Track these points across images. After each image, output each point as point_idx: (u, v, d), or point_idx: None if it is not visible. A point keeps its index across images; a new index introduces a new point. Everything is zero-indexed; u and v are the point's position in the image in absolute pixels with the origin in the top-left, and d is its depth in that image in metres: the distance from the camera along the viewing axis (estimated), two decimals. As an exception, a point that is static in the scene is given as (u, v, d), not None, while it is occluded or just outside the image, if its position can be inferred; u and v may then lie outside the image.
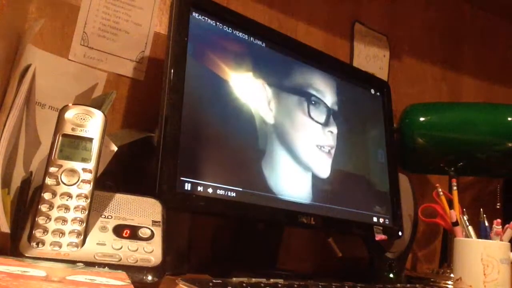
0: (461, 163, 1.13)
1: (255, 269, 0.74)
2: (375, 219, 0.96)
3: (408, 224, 1.02)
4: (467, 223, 0.88)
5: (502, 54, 1.60)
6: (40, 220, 0.53)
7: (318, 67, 0.96)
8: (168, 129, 0.70)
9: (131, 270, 0.53)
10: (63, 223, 0.54)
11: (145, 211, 0.61)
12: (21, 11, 0.80)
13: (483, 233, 0.85)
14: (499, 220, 0.83)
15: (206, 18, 0.80)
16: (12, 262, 0.45)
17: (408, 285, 0.94)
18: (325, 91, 0.95)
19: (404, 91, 1.33)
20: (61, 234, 0.53)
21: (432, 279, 1.07)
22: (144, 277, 0.54)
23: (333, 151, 0.92)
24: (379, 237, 0.93)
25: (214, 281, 0.62)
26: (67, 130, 0.56)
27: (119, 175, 0.75)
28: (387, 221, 0.98)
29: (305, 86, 0.92)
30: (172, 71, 0.73)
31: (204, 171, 0.73)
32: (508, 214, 1.10)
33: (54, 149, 0.55)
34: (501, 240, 0.81)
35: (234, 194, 0.76)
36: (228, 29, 0.83)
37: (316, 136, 0.90)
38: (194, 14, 0.78)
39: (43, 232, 0.53)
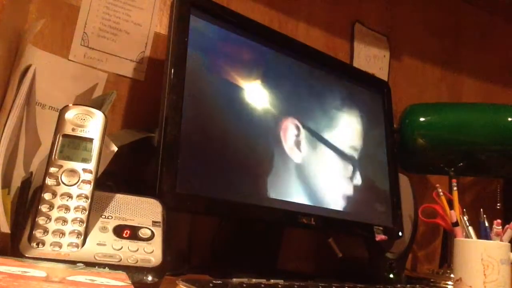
0: (461, 163, 1.13)
1: (255, 269, 0.74)
2: (375, 219, 0.96)
3: (408, 224, 1.02)
4: (467, 224, 0.88)
5: (502, 54, 1.60)
6: (40, 220, 0.53)
7: (318, 67, 0.96)
8: (168, 129, 0.70)
9: (131, 270, 0.53)
10: (63, 224, 0.54)
11: (145, 211, 0.61)
12: (21, 11, 0.80)
13: (483, 234, 0.85)
14: (499, 221, 0.83)
15: (206, 19, 0.80)
16: (13, 263, 0.45)
17: (408, 285, 0.94)
18: (325, 91, 0.95)
19: (404, 91, 1.33)
20: (61, 235, 0.53)
21: (432, 280, 1.07)
22: (144, 278, 0.54)
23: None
24: (379, 237, 0.93)
25: (214, 281, 0.62)
26: (68, 130, 0.56)
27: (119, 176, 0.75)
28: (387, 222, 0.98)
29: (301, 90, 0.92)
30: (172, 71, 0.73)
31: (204, 171, 0.73)
32: (508, 215, 1.10)
33: (54, 150, 0.55)
34: (501, 240, 0.81)
35: (234, 195, 0.76)
36: (228, 30, 0.83)
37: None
38: (194, 14, 0.78)
39: (43, 233, 0.53)
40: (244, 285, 0.64)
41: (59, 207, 0.54)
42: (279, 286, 0.68)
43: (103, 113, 0.58)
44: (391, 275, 0.98)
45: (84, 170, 0.56)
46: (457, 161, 1.13)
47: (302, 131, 0.89)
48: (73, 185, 0.55)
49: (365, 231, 0.94)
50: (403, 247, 1.00)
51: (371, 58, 1.29)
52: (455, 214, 0.88)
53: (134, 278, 0.52)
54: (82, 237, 0.54)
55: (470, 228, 0.88)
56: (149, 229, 0.59)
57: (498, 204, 1.31)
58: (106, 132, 0.59)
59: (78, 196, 0.55)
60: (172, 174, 0.69)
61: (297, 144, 0.87)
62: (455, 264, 0.81)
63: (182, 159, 0.70)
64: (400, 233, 0.98)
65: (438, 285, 1.04)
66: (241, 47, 0.85)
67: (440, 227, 1.11)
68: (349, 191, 0.94)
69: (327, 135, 0.93)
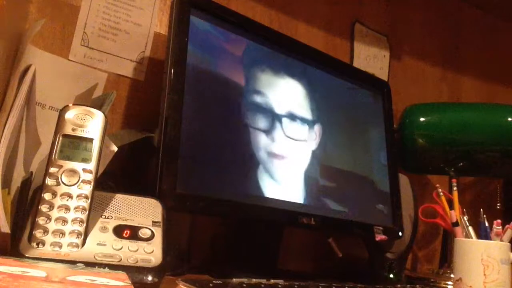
0: (461, 163, 1.13)
1: (255, 269, 0.74)
2: (375, 219, 0.96)
3: (408, 224, 1.02)
4: (467, 224, 0.88)
5: (502, 54, 1.60)
6: (41, 220, 0.53)
7: (318, 67, 0.96)
8: (168, 129, 0.70)
9: (131, 270, 0.53)
10: (63, 224, 0.54)
11: (145, 211, 0.61)
12: (21, 11, 0.80)
13: (483, 234, 0.85)
14: (499, 221, 0.83)
15: (206, 19, 0.80)
16: (13, 263, 0.45)
17: (408, 285, 0.94)
18: (325, 92, 0.95)
19: (404, 91, 1.33)
20: (61, 235, 0.53)
21: (432, 280, 1.07)
22: (144, 278, 0.54)
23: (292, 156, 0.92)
24: (379, 237, 0.93)
25: (214, 281, 0.62)
26: (68, 130, 0.56)
27: (119, 175, 0.75)
28: (387, 222, 0.97)
29: (301, 91, 0.92)
30: (172, 71, 0.73)
31: (204, 171, 0.73)
32: (508, 214, 1.11)
33: (55, 150, 0.55)
34: (501, 240, 0.81)
35: (234, 195, 0.76)
36: (228, 30, 0.83)
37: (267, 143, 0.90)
38: (194, 14, 0.78)
39: (44, 233, 0.53)
40: (244, 285, 0.64)
41: (59, 207, 0.54)
42: (279, 286, 0.68)
43: (103, 113, 0.58)
44: (391, 275, 0.98)
45: (84, 170, 0.56)
46: (457, 161, 1.13)
47: (302, 130, 0.88)
48: (73, 185, 0.55)
49: (365, 231, 0.94)
50: (403, 247, 1.00)
51: (371, 58, 1.29)
52: (455, 214, 0.88)
53: (134, 278, 0.52)
54: (82, 237, 0.54)
55: (470, 228, 0.88)
56: (149, 229, 0.59)
57: (498, 204, 1.31)
58: (106, 132, 0.59)
59: (78, 196, 0.55)
60: (172, 174, 0.69)
61: (297, 143, 0.87)
62: (455, 264, 0.81)
63: (182, 159, 0.70)
64: (400, 233, 0.98)
65: (438, 285, 1.04)
66: (241, 47, 0.85)
67: (440, 227, 1.11)
68: (349, 191, 0.94)
69: (327, 135, 0.93)
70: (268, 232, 0.90)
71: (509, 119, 1.09)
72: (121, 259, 0.54)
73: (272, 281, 0.70)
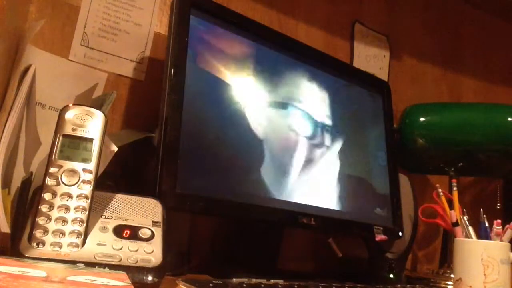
0: (461, 163, 1.13)
1: (255, 269, 0.74)
2: (375, 219, 0.96)
3: (408, 224, 1.02)
4: (467, 224, 0.88)
5: (502, 55, 1.60)
6: (40, 220, 0.53)
7: (318, 67, 0.96)
8: (168, 129, 0.70)
9: (131, 270, 0.53)
10: (63, 224, 0.54)
11: (145, 211, 0.61)
12: (21, 12, 0.80)
13: (483, 234, 0.85)
14: (499, 221, 0.83)
15: (206, 19, 0.80)
16: (13, 263, 0.45)
17: (408, 285, 0.94)
18: (325, 92, 0.95)
19: (404, 91, 1.33)
20: (61, 235, 0.53)
21: (432, 280, 1.07)
22: (144, 278, 0.54)
23: (318, 160, 0.92)
24: (379, 237, 0.93)
25: (214, 281, 0.62)
26: (68, 130, 0.56)
27: (119, 175, 0.75)
28: (387, 222, 0.97)
29: (301, 91, 0.92)
30: (172, 71, 0.73)
31: (204, 171, 0.73)
32: (508, 215, 1.10)
33: (55, 150, 0.55)
34: (501, 240, 0.81)
35: (234, 195, 0.76)
36: (228, 30, 0.83)
37: (297, 148, 0.89)
38: (194, 14, 0.78)
39: (43, 233, 0.53)
40: (244, 285, 0.64)
41: (59, 207, 0.54)
42: (279, 286, 0.68)
43: (103, 113, 0.58)
44: (391, 275, 0.98)
45: (84, 170, 0.56)
46: (457, 161, 1.13)
47: (302, 130, 0.88)
48: (73, 185, 0.55)
49: (365, 231, 0.94)
50: (403, 247, 1.00)
51: (371, 58, 1.29)
52: (455, 214, 0.89)
53: (134, 278, 0.52)
54: (82, 237, 0.54)
55: (470, 228, 0.88)
56: (149, 229, 0.59)
57: (498, 204, 1.31)
58: (106, 132, 0.59)
59: (78, 196, 0.55)
60: (172, 174, 0.69)
61: (297, 143, 0.87)
62: (455, 264, 0.81)
63: (182, 159, 0.70)
64: (400, 234, 0.98)
65: (438, 285, 1.04)
66: (241, 47, 0.85)
67: (440, 227, 1.11)
68: (349, 191, 0.94)
69: (326, 135, 0.93)
70: (268, 232, 0.90)
71: (509, 119, 1.09)
72: (121, 259, 0.54)
73: (272, 281, 0.70)
